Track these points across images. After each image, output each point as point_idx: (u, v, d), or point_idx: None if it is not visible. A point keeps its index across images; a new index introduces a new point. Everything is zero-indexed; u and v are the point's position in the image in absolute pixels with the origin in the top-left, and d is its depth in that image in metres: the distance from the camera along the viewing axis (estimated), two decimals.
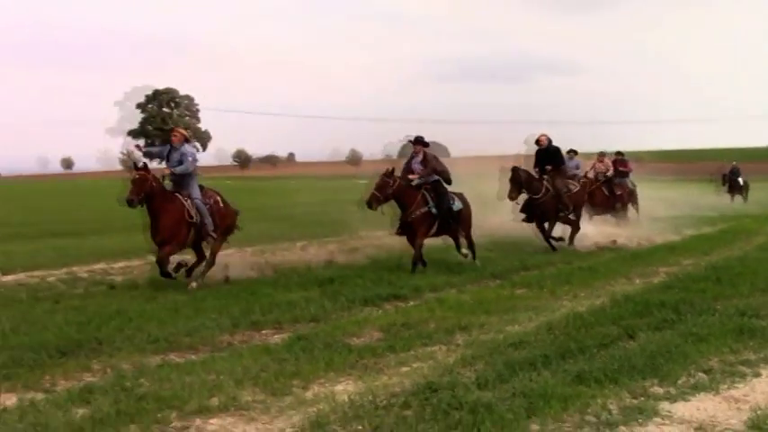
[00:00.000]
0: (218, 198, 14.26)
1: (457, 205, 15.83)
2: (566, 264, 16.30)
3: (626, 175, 25.53)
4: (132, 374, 7.77)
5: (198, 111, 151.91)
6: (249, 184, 75.22)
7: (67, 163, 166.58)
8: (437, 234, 15.90)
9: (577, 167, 22.64)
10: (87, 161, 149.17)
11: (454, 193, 15.99)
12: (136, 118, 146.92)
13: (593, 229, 21.03)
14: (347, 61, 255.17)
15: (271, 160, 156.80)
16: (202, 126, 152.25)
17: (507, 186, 18.07)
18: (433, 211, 15.38)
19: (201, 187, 14.03)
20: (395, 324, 10.11)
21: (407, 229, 15.39)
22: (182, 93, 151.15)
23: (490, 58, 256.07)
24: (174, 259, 13.79)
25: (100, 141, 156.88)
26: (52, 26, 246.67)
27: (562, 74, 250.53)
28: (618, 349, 8.58)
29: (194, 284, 13.22)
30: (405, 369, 8.06)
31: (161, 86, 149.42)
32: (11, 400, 7.09)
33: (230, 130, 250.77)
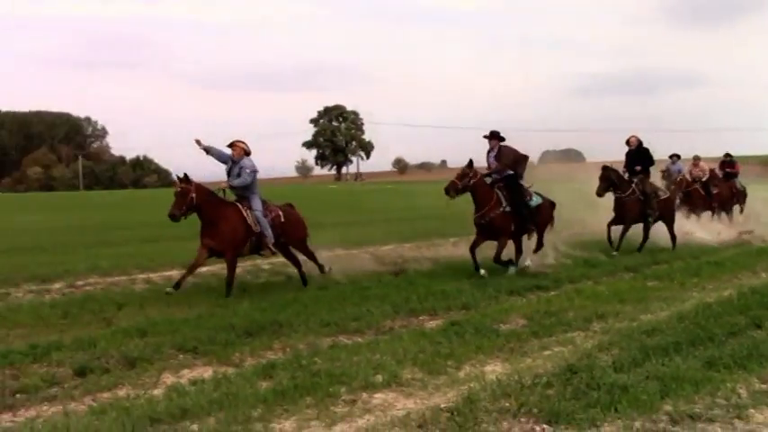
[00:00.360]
0: (280, 213, 12.77)
1: (535, 201, 14.19)
2: (693, 258, 15.77)
3: (734, 176, 24.28)
4: (307, 353, 7.92)
5: (362, 124, 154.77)
6: (406, 188, 75.73)
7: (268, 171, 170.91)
8: (513, 235, 14.14)
9: (680, 172, 21.68)
10: (287, 168, 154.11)
11: (537, 192, 14.45)
12: (322, 132, 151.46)
13: (699, 227, 20.13)
14: (495, 79, 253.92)
15: (425, 166, 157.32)
16: (366, 137, 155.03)
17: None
18: (508, 209, 13.66)
19: (264, 201, 12.63)
20: (537, 312, 9.98)
21: (485, 230, 13.70)
22: (348, 108, 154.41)
23: (622, 73, 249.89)
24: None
25: (297, 153, 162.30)
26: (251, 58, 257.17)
27: (690, 85, 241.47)
28: (746, 338, 8.22)
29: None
30: (547, 352, 7.94)
31: (348, 105, 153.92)
32: (207, 372, 7.34)
33: (393, 140, 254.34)
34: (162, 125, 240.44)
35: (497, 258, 13.65)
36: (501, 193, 13.72)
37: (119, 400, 6.42)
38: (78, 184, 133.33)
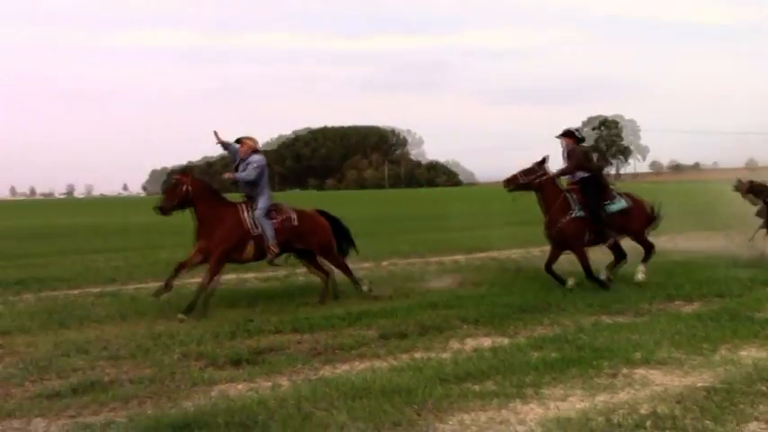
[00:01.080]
0: (293, 216, 9.90)
1: (618, 205, 10.79)
2: None
3: None
4: (573, 330, 7.63)
5: (621, 129, 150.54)
6: (659, 187, 71.66)
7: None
8: (590, 242, 10.69)
9: None
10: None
11: (621, 193, 11.10)
12: (589, 140, 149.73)
13: None
14: (750, 86, 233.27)
15: (679, 168, 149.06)
16: (624, 143, 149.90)
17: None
18: (579, 214, 10.46)
19: (277, 204, 10.00)
20: None
21: (555, 238, 10.57)
22: (610, 118, 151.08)
23: None
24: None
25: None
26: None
27: None
28: None
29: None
30: None
31: (609, 115, 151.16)
32: (486, 341, 7.29)
33: (652, 145, 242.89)
34: (452, 135, 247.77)
35: (589, 274, 10.40)
36: (571, 196, 10.63)
37: (414, 360, 6.52)
38: (384, 184, 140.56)
